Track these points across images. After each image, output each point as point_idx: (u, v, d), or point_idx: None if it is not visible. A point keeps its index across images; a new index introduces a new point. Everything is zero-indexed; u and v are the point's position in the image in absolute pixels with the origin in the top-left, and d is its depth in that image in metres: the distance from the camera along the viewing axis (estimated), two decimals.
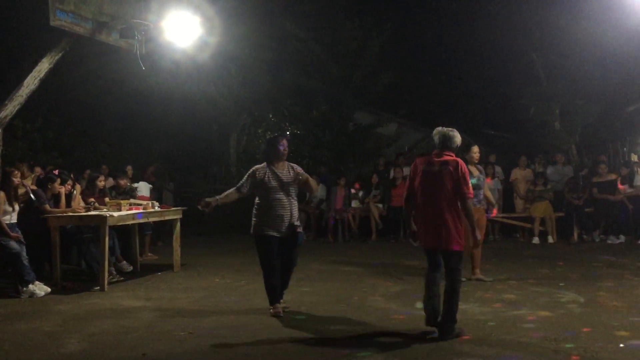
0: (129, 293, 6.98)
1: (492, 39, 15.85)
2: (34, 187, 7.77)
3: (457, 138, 5.10)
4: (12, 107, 8.14)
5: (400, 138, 17.19)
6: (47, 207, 7.49)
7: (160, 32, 8.90)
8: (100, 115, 15.07)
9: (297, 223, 5.75)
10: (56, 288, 7.07)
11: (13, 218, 7.07)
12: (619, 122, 14.71)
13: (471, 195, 4.96)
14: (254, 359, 4.44)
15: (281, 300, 5.77)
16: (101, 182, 8.95)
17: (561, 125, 14.47)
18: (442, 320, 4.80)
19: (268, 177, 5.67)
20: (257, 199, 5.78)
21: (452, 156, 5.00)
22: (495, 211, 7.78)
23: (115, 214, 7.40)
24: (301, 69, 15.34)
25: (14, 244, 6.83)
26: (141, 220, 8.30)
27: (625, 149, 14.12)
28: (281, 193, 5.66)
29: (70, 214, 7.54)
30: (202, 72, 14.14)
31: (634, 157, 13.34)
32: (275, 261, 5.65)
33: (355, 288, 7.02)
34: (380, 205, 12.49)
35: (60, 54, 8.27)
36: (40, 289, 6.81)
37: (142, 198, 9.53)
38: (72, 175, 8.45)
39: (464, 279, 6.10)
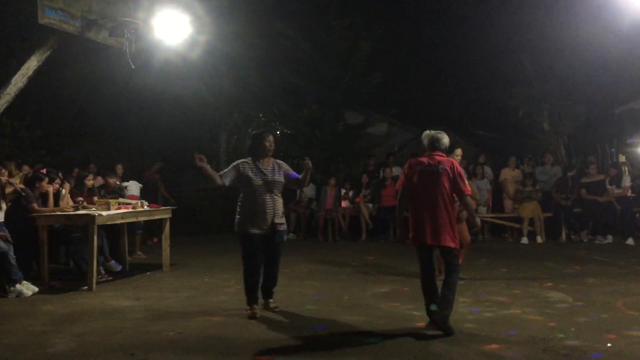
0: (117, 293, 6.94)
1: (483, 40, 15.96)
2: (22, 186, 7.70)
3: (446, 139, 5.26)
4: (0, 105, 8.07)
5: (391, 138, 17.25)
6: (35, 206, 7.43)
7: (150, 30, 8.85)
8: (90, 113, 14.99)
9: (280, 221, 5.60)
10: (44, 288, 7.01)
11: (0, 217, 7.02)
12: (607, 123, 14.85)
13: (469, 192, 5.15)
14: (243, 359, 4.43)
15: (271, 300, 5.73)
16: (90, 181, 8.88)
17: (550, 126, 14.59)
18: (440, 308, 4.93)
19: (253, 173, 5.55)
20: (240, 196, 5.66)
21: (443, 156, 5.17)
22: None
23: (104, 213, 7.35)
24: (291, 68, 15.35)
25: (1, 243, 6.76)
26: (130, 220, 8.25)
27: (613, 150, 14.23)
28: (265, 190, 5.54)
29: (59, 213, 7.48)
30: (192, 71, 14.11)
31: (622, 158, 13.45)
32: (257, 260, 5.57)
33: (345, 288, 7.02)
34: (370, 205, 12.51)
35: (48, 52, 8.22)
36: (27, 288, 6.75)
37: (132, 197, 9.48)
38: (60, 174, 8.39)
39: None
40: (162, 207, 8.98)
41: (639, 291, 6.53)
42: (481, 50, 16.95)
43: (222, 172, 5.65)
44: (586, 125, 14.71)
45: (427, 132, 5.31)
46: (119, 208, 7.85)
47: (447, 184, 5.03)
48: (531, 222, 11.44)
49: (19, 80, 8.08)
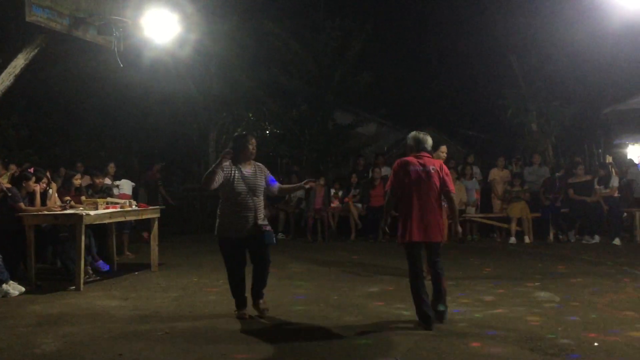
0: (105, 293, 6.90)
1: (472, 42, 16.03)
2: (9, 185, 7.63)
3: (430, 140, 5.52)
4: None
5: (380, 138, 17.28)
6: (22, 205, 7.37)
7: (139, 29, 8.81)
8: (77, 112, 14.86)
9: (264, 222, 5.50)
10: (31, 288, 6.96)
11: None
12: (594, 124, 14.96)
13: (454, 192, 5.45)
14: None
15: (261, 301, 5.62)
16: (77, 181, 8.82)
17: (538, 126, 14.68)
18: (441, 304, 5.21)
19: (234, 176, 5.40)
20: (220, 200, 5.52)
21: (430, 157, 5.42)
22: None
23: (92, 212, 7.30)
24: (281, 68, 15.33)
25: None
26: (118, 219, 8.20)
27: (600, 150, 14.35)
28: (247, 193, 5.40)
29: (46, 212, 7.42)
30: (181, 70, 14.06)
31: (609, 159, 13.56)
32: (239, 264, 5.50)
33: (334, 287, 7.02)
34: (360, 205, 12.53)
35: (36, 50, 8.15)
36: (14, 288, 6.70)
37: (124, 196, 9.42)
38: (47, 174, 8.32)
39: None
40: (150, 207, 8.92)
41: (626, 291, 6.58)
42: (470, 51, 17.04)
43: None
44: (574, 126, 14.82)
45: (414, 133, 5.53)
46: (107, 207, 7.80)
47: (437, 184, 5.28)
48: (519, 222, 11.51)
49: (5, 79, 8.01)
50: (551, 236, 11.39)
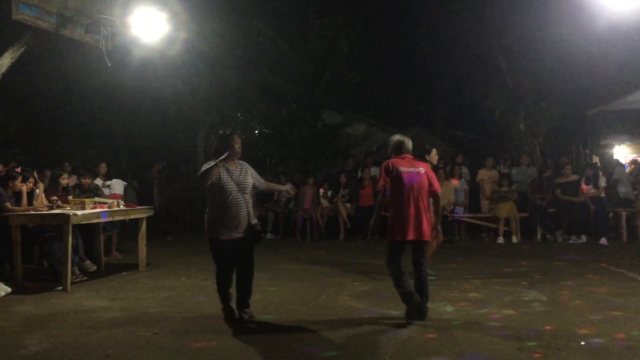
0: (92, 293, 6.86)
1: (461, 42, 16.08)
2: None
3: (411, 143, 5.74)
4: None
5: (369, 138, 17.30)
6: (8, 205, 7.31)
7: (127, 27, 8.76)
8: (65, 111, 14.77)
9: (255, 221, 5.48)
10: (17, 288, 6.89)
11: None
12: (581, 125, 15.08)
13: (439, 190, 5.72)
14: None
15: (247, 310, 5.47)
16: (64, 180, 8.75)
17: (526, 127, 14.77)
18: (425, 300, 5.37)
19: (222, 176, 5.34)
20: (209, 200, 5.45)
21: (414, 158, 5.66)
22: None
23: (79, 212, 7.25)
24: (270, 67, 15.32)
25: None
26: (106, 220, 8.15)
27: (587, 151, 14.46)
28: (237, 192, 5.35)
29: (32, 212, 7.36)
30: (169, 69, 13.99)
31: (595, 159, 13.69)
32: (230, 265, 5.42)
33: (323, 287, 7.02)
34: (349, 205, 12.54)
35: (22, 49, 8.08)
36: (0, 289, 6.64)
37: (115, 196, 9.37)
38: (34, 173, 8.25)
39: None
40: (139, 207, 8.87)
41: (612, 291, 6.64)
42: (459, 52, 17.10)
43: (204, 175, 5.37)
44: (561, 126, 14.94)
45: (397, 136, 5.76)
46: (95, 207, 7.75)
47: (426, 184, 5.53)
48: (507, 222, 11.58)
49: None
50: (539, 236, 11.47)
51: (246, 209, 5.40)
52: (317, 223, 12.48)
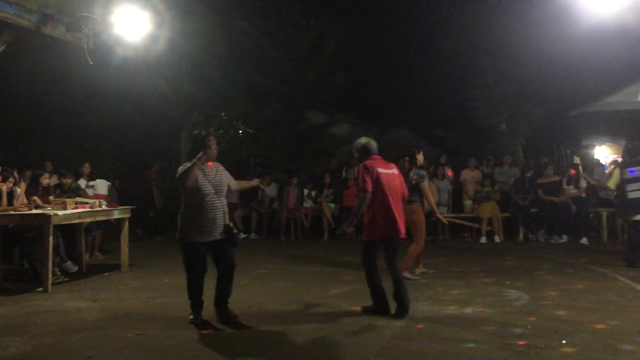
0: (74, 294, 6.78)
1: (444, 43, 16.15)
2: None
3: (375, 144, 5.89)
4: None
5: (353, 138, 17.29)
6: None
7: (109, 26, 8.67)
8: (45, 110, 14.58)
9: (231, 223, 5.38)
10: None
11: None
12: (562, 125, 15.22)
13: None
14: None
15: (228, 308, 5.36)
16: (45, 180, 8.64)
17: (508, 127, 14.88)
18: (406, 301, 5.48)
19: (199, 177, 5.19)
20: (184, 202, 5.28)
21: (383, 160, 5.79)
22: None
23: (60, 212, 7.17)
24: (254, 67, 15.27)
25: None
26: (87, 220, 8.07)
27: (568, 151, 14.60)
28: (213, 194, 5.20)
29: (12, 212, 7.26)
30: (152, 68, 13.89)
31: (577, 160, 13.81)
32: (202, 271, 5.25)
33: (307, 287, 7.02)
34: (333, 205, 12.54)
35: (2, 47, 7.95)
36: None
37: (99, 196, 9.28)
38: (15, 173, 8.14)
39: (414, 277, 7.43)
40: (120, 207, 8.79)
41: (592, 288, 6.72)
42: (443, 53, 17.18)
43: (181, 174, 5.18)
44: (543, 127, 15.07)
45: (365, 139, 5.88)
46: (76, 207, 7.66)
47: (401, 185, 5.80)
48: (490, 222, 11.66)
49: None
50: (521, 236, 11.56)
51: (222, 211, 5.26)
52: (301, 223, 12.46)
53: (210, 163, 5.35)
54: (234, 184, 5.63)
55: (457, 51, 16.17)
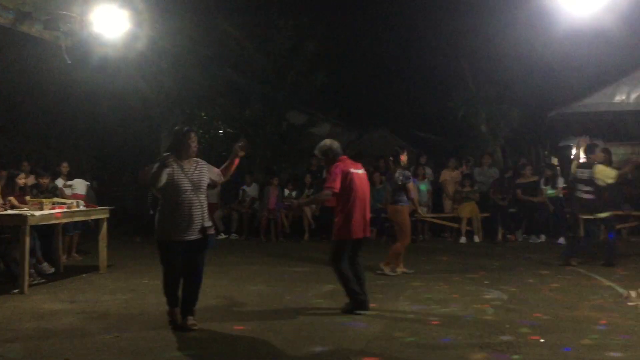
0: (51, 296, 6.69)
1: (424, 44, 16.24)
2: None
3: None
4: None
5: (334, 138, 17.31)
6: None
7: (87, 24, 8.58)
8: (23, 110, 14.37)
9: (209, 224, 5.23)
10: None
11: None
12: (540, 126, 15.39)
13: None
14: None
15: (190, 317, 5.15)
16: (22, 180, 8.51)
17: (487, 128, 15.01)
18: (367, 296, 5.74)
19: (176, 174, 5.07)
20: (161, 200, 5.16)
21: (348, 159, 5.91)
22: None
23: (37, 213, 7.07)
24: (235, 66, 15.20)
25: None
26: (64, 220, 7.96)
27: (546, 152, 14.78)
28: (190, 192, 5.07)
29: None
30: (132, 67, 13.74)
31: (554, 161, 13.99)
32: (178, 268, 5.13)
33: (288, 288, 7.01)
34: (313, 206, 12.53)
35: None
36: None
37: (77, 196, 9.15)
38: None
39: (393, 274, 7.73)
40: (99, 207, 8.69)
41: (570, 288, 6.80)
42: (422, 53, 17.30)
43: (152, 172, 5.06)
44: (521, 128, 15.23)
45: (330, 141, 5.96)
46: (53, 208, 7.56)
47: (367, 184, 5.96)
48: (469, 222, 11.75)
49: None
50: (500, 235, 11.67)
51: (200, 209, 5.12)
52: (281, 223, 12.44)
53: (189, 160, 5.19)
54: (217, 175, 5.38)
55: (437, 53, 16.29)
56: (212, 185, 5.48)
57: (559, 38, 12.33)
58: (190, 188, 5.10)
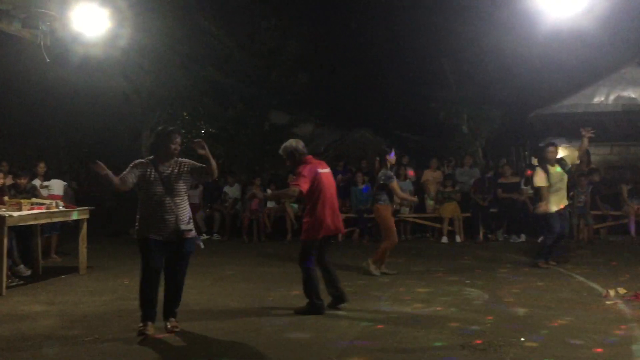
0: (29, 297, 6.59)
1: (406, 45, 16.31)
2: None
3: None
4: None
5: (316, 139, 17.35)
6: None
7: (67, 23, 8.47)
8: (0, 109, 14.18)
9: (187, 227, 5.00)
10: None
11: None
12: (521, 127, 15.55)
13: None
14: None
15: (171, 318, 5.10)
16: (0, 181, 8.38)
17: (469, 129, 15.13)
18: (342, 288, 5.90)
19: (151, 174, 4.95)
20: (139, 199, 5.05)
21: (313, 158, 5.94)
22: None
23: (15, 213, 6.96)
24: (217, 66, 15.14)
25: None
26: (44, 221, 7.85)
27: (526, 152, 14.92)
28: (164, 194, 4.94)
29: None
30: (112, 66, 13.62)
31: (535, 161, 14.10)
32: (156, 269, 4.97)
33: (270, 288, 6.98)
34: (296, 206, 12.51)
35: None
36: None
37: (54, 197, 9.03)
38: None
39: (376, 274, 7.72)
40: (79, 208, 8.59)
41: (548, 285, 6.87)
42: (405, 54, 17.37)
43: (121, 176, 4.94)
44: (502, 128, 15.38)
45: (292, 141, 5.90)
46: (32, 208, 7.46)
47: (333, 182, 6.00)
48: (451, 221, 11.82)
49: None
50: (481, 235, 11.75)
51: (174, 213, 4.94)
52: (263, 224, 12.41)
53: (168, 161, 5.03)
54: (203, 173, 5.11)
55: (419, 53, 16.37)
56: (199, 182, 5.41)
57: (539, 39, 12.46)
58: (161, 190, 4.95)
